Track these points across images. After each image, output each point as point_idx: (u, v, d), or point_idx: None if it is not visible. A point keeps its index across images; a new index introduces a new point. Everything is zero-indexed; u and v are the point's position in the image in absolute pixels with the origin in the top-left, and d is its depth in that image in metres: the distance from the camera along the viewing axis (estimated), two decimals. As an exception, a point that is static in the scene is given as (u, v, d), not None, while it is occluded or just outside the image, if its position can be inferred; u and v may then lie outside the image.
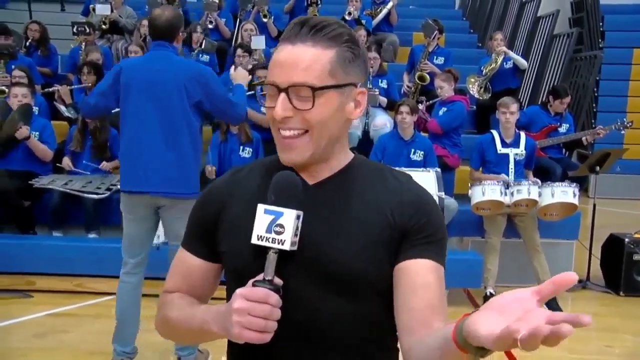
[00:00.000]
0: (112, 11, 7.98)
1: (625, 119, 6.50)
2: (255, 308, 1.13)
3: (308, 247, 1.22)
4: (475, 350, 0.99)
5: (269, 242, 1.16)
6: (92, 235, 5.37)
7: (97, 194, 5.13)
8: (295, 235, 1.16)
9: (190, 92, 3.42)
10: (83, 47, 7.12)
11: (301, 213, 1.18)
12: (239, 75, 3.86)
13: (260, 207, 1.18)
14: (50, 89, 6.54)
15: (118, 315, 3.67)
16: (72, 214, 5.40)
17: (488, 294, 5.05)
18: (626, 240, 5.49)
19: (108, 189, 5.16)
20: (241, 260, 1.29)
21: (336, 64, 1.24)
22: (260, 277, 1.16)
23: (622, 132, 6.86)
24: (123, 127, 3.56)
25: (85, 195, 5.15)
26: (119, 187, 4.57)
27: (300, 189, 1.21)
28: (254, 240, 1.17)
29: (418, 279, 1.23)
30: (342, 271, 1.24)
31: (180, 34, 3.62)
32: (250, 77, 4.03)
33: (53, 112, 6.41)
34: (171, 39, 3.53)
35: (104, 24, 7.81)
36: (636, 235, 5.60)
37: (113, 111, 3.87)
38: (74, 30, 7.34)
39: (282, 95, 1.22)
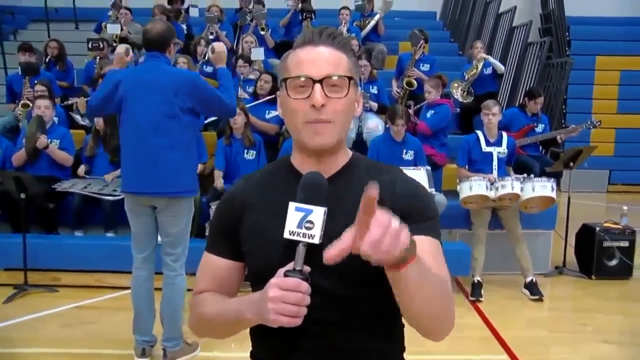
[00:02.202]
0: (121, 29, 7.94)
1: (594, 119, 6.53)
2: (288, 296, 1.15)
3: (327, 240, 1.23)
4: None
5: (300, 236, 1.17)
6: (110, 234, 5.34)
7: (113, 195, 5.11)
8: (322, 230, 1.18)
9: (180, 98, 3.40)
10: (97, 61, 7.08)
11: (326, 209, 1.20)
12: (218, 54, 3.69)
13: (292, 205, 1.19)
14: (69, 102, 6.52)
15: (134, 307, 3.69)
16: (92, 214, 5.38)
17: (475, 281, 5.07)
18: (597, 229, 5.53)
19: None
20: (268, 257, 1.30)
21: (351, 64, 1.34)
22: (290, 267, 1.18)
23: (590, 130, 6.89)
24: (122, 133, 3.57)
25: (103, 197, 5.14)
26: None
27: (326, 188, 1.22)
28: (286, 235, 1.18)
29: None
30: (356, 262, 1.22)
31: (172, 45, 3.58)
32: (225, 51, 3.82)
33: (71, 121, 6.38)
34: (163, 50, 3.51)
35: (115, 41, 7.76)
36: (606, 225, 5.64)
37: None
38: (89, 46, 7.30)
39: (318, 85, 1.27)
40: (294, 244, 1.19)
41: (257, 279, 1.30)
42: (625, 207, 5.86)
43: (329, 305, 1.29)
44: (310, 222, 1.17)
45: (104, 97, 3.57)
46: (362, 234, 1.02)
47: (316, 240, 1.17)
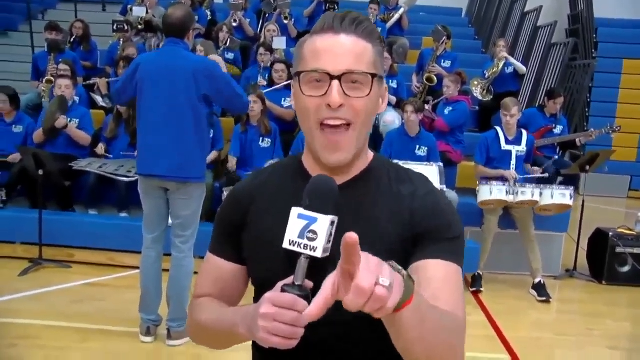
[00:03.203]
0: (147, 12, 8.00)
1: (614, 124, 6.44)
2: (281, 314, 1.00)
3: (334, 257, 1.04)
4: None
5: (300, 247, 1.03)
6: (123, 214, 5.42)
7: (127, 177, 5.16)
8: (329, 241, 1.03)
9: (197, 84, 3.43)
10: (121, 43, 7.15)
11: (336, 219, 1.04)
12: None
13: (295, 211, 1.04)
14: (90, 82, 6.60)
15: (142, 287, 3.75)
16: (106, 194, 5.45)
17: (477, 274, 5.11)
18: (610, 234, 5.46)
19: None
20: (268, 266, 1.18)
21: (376, 57, 1.16)
22: (289, 280, 1.03)
23: (611, 135, 6.79)
24: (138, 117, 3.62)
25: (118, 177, 5.20)
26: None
27: (337, 194, 1.06)
28: (285, 244, 1.04)
29: (424, 273, 1.12)
30: None
31: (192, 30, 3.59)
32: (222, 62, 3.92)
33: (91, 101, 6.46)
34: (182, 36, 3.53)
35: (140, 24, 7.83)
36: (619, 230, 5.57)
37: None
38: (114, 27, 7.38)
39: (336, 82, 1.10)
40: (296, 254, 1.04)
41: (260, 290, 1.19)
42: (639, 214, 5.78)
43: (331, 329, 1.13)
44: (314, 232, 1.02)
45: (124, 80, 3.64)
46: (346, 287, 0.88)
47: (318, 254, 1.02)
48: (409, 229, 1.15)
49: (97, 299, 4.44)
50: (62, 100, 5.43)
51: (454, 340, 1.08)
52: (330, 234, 1.04)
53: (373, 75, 1.13)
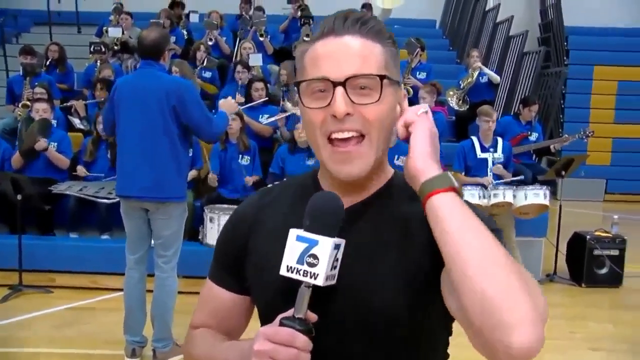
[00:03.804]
0: (122, 33, 8.03)
1: (587, 129, 6.59)
2: (277, 351, 0.90)
3: (343, 284, 0.97)
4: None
5: (299, 274, 0.91)
6: (104, 237, 5.40)
7: (108, 198, 5.16)
8: (334, 268, 0.92)
9: (170, 105, 3.44)
10: (98, 64, 7.17)
11: (342, 242, 0.93)
12: (227, 105, 3.88)
13: (293, 233, 0.93)
14: (67, 104, 6.59)
15: (125, 308, 3.75)
16: (87, 217, 5.43)
17: None
18: (588, 237, 5.57)
19: (119, 194, 5.20)
20: (270, 296, 1.05)
21: (388, 58, 1.02)
22: (290, 313, 0.93)
23: (585, 140, 6.94)
24: (117, 139, 3.64)
25: (99, 200, 5.19)
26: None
27: (342, 214, 0.95)
28: (283, 271, 0.93)
29: None
30: (376, 319, 0.99)
31: (167, 52, 3.63)
32: (237, 108, 4.03)
33: (69, 124, 6.45)
34: (157, 57, 3.55)
35: (116, 44, 7.85)
36: (597, 233, 5.68)
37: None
38: (91, 49, 7.40)
39: (340, 89, 0.96)
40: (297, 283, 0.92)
41: (265, 323, 1.03)
42: (615, 216, 5.90)
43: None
44: (314, 256, 0.91)
45: (107, 107, 3.72)
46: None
47: (320, 282, 0.90)
48: (431, 259, 0.96)
49: (81, 322, 4.40)
50: (45, 124, 5.40)
51: (514, 274, 0.86)
52: (336, 259, 0.92)
53: (382, 77, 0.98)
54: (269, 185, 1.25)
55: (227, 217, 4.51)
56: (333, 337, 0.99)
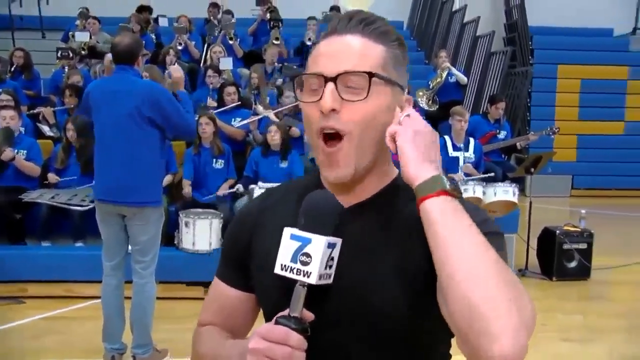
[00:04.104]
0: (90, 37, 7.95)
1: (554, 126, 6.77)
2: (272, 349, 0.91)
3: (342, 284, 0.98)
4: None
5: (293, 273, 0.92)
6: (78, 244, 5.34)
7: (82, 206, 5.12)
8: (329, 267, 0.93)
9: (144, 110, 3.47)
10: (66, 70, 7.09)
11: (338, 241, 0.94)
12: (175, 79, 3.84)
13: (287, 232, 0.94)
14: (35, 111, 6.51)
15: (104, 315, 3.74)
16: (60, 225, 5.36)
17: None
18: (557, 232, 5.73)
19: (92, 201, 5.14)
20: (273, 296, 1.06)
21: (388, 60, 1.02)
22: (286, 312, 0.94)
23: (552, 137, 7.13)
24: (95, 143, 3.66)
25: (72, 207, 5.14)
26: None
27: (337, 212, 0.96)
28: (277, 270, 0.94)
29: None
30: (376, 319, 1.00)
31: (141, 57, 3.65)
32: (182, 75, 3.98)
33: (38, 131, 6.37)
34: (131, 62, 3.57)
35: (83, 49, 7.78)
36: (566, 228, 5.85)
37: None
38: (58, 55, 7.32)
39: (330, 84, 0.98)
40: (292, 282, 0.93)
41: (266, 321, 1.06)
42: (583, 211, 6.08)
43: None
44: (307, 254, 0.92)
45: (80, 110, 3.69)
46: None
47: (313, 280, 0.91)
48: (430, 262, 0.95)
49: (56, 332, 4.36)
50: (8, 132, 5.33)
51: (502, 283, 0.86)
52: (330, 258, 0.93)
53: (370, 75, 0.98)
54: (272, 186, 1.25)
55: (202, 222, 4.55)
56: (332, 336, 1.00)
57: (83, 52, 7.79)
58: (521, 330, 0.84)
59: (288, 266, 0.93)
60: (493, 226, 1.02)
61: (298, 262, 0.92)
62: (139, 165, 3.52)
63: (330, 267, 0.94)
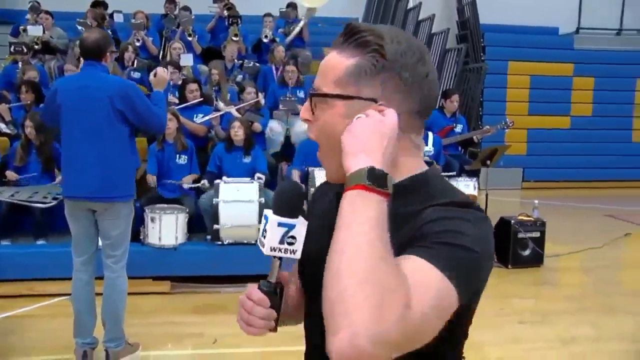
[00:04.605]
0: (43, 32, 7.81)
1: (508, 120, 7.07)
2: (244, 302, 1.14)
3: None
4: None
5: (281, 252, 1.10)
6: (40, 242, 5.30)
7: (44, 203, 5.08)
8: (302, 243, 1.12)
9: (115, 105, 3.51)
10: (20, 65, 6.95)
11: (305, 223, 1.11)
12: (158, 80, 3.86)
13: (274, 220, 1.09)
14: (-12, 107, 6.36)
15: (75, 311, 3.75)
16: (20, 223, 5.31)
17: None
18: (512, 221, 6.00)
19: (54, 198, 5.12)
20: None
21: (350, 74, 1.05)
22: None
23: (505, 130, 7.44)
24: (62, 140, 3.67)
25: (33, 205, 5.09)
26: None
27: (303, 198, 1.12)
28: (267, 252, 1.11)
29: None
30: None
31: (109, 53, 3.66)
32: (167, 78, 4.01)
33: (-7, 128, 6.25)
34: (99, 58, 3.60)
35: (36, 44, 7.63)
36: (520, 217, 6.14)
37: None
38: (11, 49, 7.16)
39: (308, 99, 1.11)
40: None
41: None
42: (536, 201, 6.39)
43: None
44: (293, 237, 1.09)
45: (45, 108, 3.70)
46: None
47: (298, 256, 1.11)
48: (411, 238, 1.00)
49: (22, 331, 4.32)
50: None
51: (370, 291, 0.85)
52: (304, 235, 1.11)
53: (311, 95, 1.09)
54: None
55: (168, 217, 4.65)
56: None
57: (36, 47, 7.65)
58: (365, 336, 0.82)
59: (277, 247, 1.09)
60: (457, 239, 0.97)
61: (285, 243, 1.09)
62: (112, 161, 3.55)
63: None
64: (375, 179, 0.94)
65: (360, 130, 1.00)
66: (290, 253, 1.09)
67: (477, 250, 0.98)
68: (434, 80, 1.12)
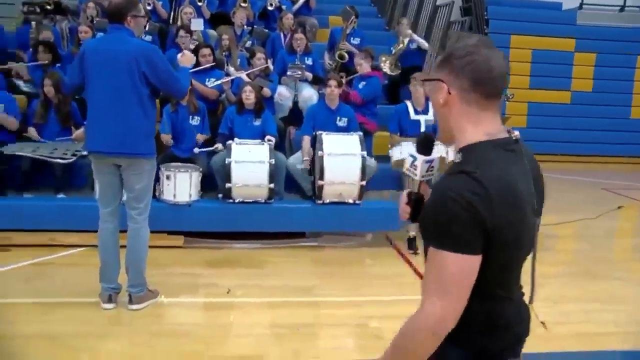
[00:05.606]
0: (55, -7, 7.97)
1: (508, 92, 7.32)
2: (402, 199, 1.76)
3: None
4: None
5: (426, 177, 1.76)
6: (60, 196, 5.58)
7: (63, 159, 5.35)
8: (429, 173, 1.76)
9: (138, 66, 3.75)
10: (33, 26, 7.14)
11: (433, 158, 1.73)
12: (186, 59, 4.22)
13: (422, 159, 1.73)
14: (6, 66, 6.58)
15: (101, 258, 4.06)
16: (41, 178, 5.57)
17: (411, 236, 5.61)
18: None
19: (74, 155, 5.40)
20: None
21: (433, 66, 1.61)
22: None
23: (505, 102, 7.69)
24: (88, 99, 3.92)
25: (54, 160, 5.36)
26: (83, 152, 4.92)
27: (434, 143, 1.75)
28: (419, 179, 1.75)
29: None
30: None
31: (130, 17, 3.83)
32: (194, 59, 4.37)
33: (11, 86, 6.47)
34: (121, 21, 3.82)
35: (49, 4, 7.81)
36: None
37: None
38: (25, 10, 7.34)
39: None
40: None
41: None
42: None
43: None
44: (432, 167, 1.75)
45: (72, 71, 3.95)
46: None
47: (418, 177, 1.75)
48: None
49: (46, 276, 4.64)
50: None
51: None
52: (431, 167, 1.74)
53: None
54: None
55: (183, 175, 5.06)
56: None
57: (48, 7, 7.83)
58: None
59: (424, 175, 1.74)
60: (433, 215, 1.45)
61: (428, 171, 1.75)
62: (134, 120, 3.82)
63: (429, 172, 1.76)
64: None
65: None
66: (430, 176, 1.74)
67: (442, 216, 1.45)
68: (482, 63, 1.50)
